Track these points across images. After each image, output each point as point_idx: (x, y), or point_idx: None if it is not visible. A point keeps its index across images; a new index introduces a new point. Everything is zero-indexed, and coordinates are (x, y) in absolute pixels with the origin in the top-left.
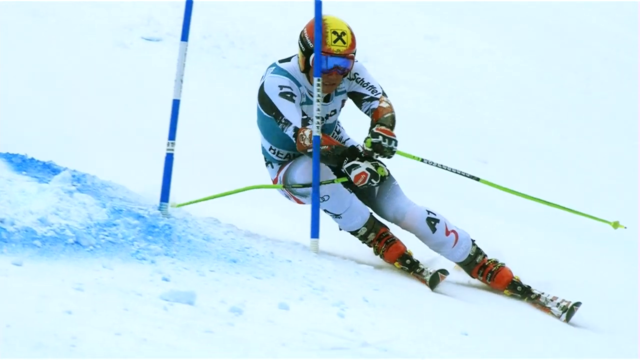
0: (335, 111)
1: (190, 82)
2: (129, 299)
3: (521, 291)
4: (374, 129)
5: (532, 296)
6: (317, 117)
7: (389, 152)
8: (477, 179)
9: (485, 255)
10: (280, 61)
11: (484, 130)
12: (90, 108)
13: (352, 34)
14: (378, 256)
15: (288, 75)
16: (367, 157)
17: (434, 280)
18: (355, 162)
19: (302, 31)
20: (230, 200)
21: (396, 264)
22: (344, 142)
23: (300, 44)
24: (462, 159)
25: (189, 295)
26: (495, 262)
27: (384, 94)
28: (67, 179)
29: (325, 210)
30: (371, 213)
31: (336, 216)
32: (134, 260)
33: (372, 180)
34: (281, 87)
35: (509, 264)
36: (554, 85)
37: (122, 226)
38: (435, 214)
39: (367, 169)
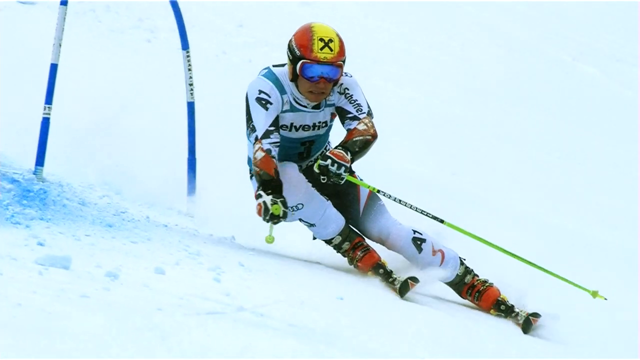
0: (325, 123)
1: (66, 45)
2: (3, 264)
3: (505, 310)
4: (328, 152)
5: (513, 314)
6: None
7: (336, 178)
8: (442, 221)
9: (475, 275)
10: (274, 66)
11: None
12: None
13: (340, 41)
14: (352, 266)
15: (276, 80)
16: (275, 191)
17: (404, 288)
18: (262, 192)
19: (290, 39)
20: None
21: (370, 273)
22: None
23: (288, 52)
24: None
25: (65, 259)
26: (484, 281)
27: (369, 114)
28: None
29: (299, 219)
30: (346, 222)
31: (310, 225)
32: (9, 225)
33: (265, 215)
34: (260, 91)
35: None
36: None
37: None
38: (421, 234)
39: (264, 202)
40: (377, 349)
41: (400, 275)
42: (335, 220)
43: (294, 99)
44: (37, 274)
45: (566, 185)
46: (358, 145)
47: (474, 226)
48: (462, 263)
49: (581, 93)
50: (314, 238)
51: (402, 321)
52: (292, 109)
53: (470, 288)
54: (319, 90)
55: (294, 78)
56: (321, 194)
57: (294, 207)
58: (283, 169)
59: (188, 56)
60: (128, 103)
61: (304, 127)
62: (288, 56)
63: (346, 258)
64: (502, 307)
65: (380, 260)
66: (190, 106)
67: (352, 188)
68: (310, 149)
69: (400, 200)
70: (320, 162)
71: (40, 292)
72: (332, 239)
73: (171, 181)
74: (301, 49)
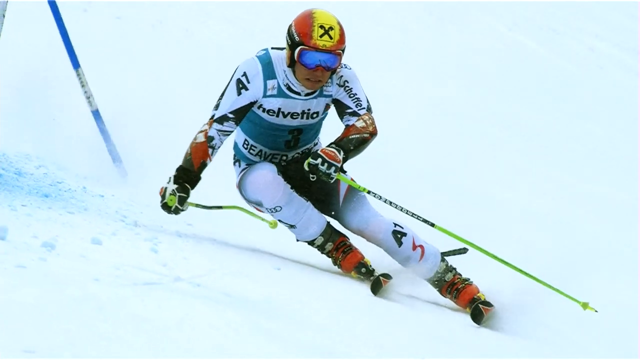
0: (317, 114)
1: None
2: None
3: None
4: (319, 150)
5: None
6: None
7: (325, 177)
8: (432, 225)
9: (456, 274)
10: (273, 48)
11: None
12: None
13: (341, 29)
14: (337, 267)
15: (268, 64)
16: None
17: (375, 286)
18: (172, 177)
19: (290, 25)
20: None
21: (353, 273)
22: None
23: (287, 37)
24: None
25: (1, 230)
26: (465, 280)
27: (368, 110)
28: None
29: (279, 221)
30: (328, 222)
31: (291, 226)
32: None
33: (160, 200)
34: (244, 74)
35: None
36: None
37: None
38: (402, 227)
39: (165, 188)
40: (312, 316)
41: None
42: (316, 221)
43: (286, 85)
44: None
45: (509, 159)
46: (353, 143)
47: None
48: (443, 260)
49: (518, 64)
50: (297, 240)
51: (339, 292)
52: (281, 95)
53: (450, 286)
54: (316, 78)
55: (292, 64)
56: (301, 190)
57: (272, 209)
58: (260, 171)
59: (78, 75)
60: (60, 74)
61: (292, 115)
62: (287, 41)
63: (330, 259)
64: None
65: (364, 259)
66: (96, 114)
67: (333, 182)
68: (299, 139)
69: (390, 202)
70: (310, 160)
71: None
72: (315, 240)
73: (103, 153)
74: (300, 35)
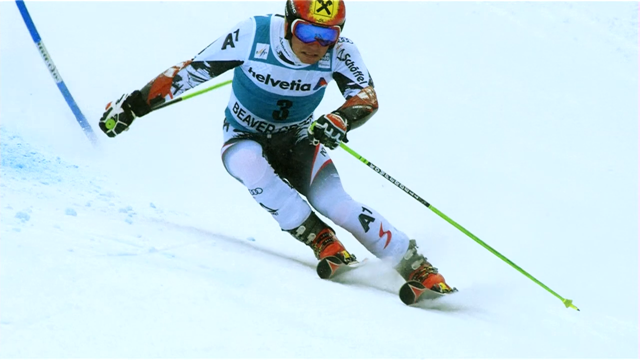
0: (308, 87)
1: None
2: None
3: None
4: (325, 115)
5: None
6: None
7: (329, 143)
8: (427, 204)
9: (424, 263)
10: (277, 15)
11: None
12: None
13: (340, 4)
14: (317, 258)
15: (264, 27)
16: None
17: (322, 268)
18: (122, 100)
19: None
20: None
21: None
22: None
23: (286, 8)
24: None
25: None
26: (431, 268)
27: (370, 84)
28: None
29: (261, 204)
30: (313, 212)
31: (272, 212)
32: None
33: (101, 118)
34: (237, 32)
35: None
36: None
37: None
38: (371, 212)
39: (111, 109)
40: (287, 288)
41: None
42: (299, 210)
43: (279, 53)
44: None
45: (480, 127)
46: (357, 113)
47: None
48: (411, 247)
49: (492, 34)
50: (282, 230)
51: (311, 261)
52: (271, 61)
53: (416, 275)
54: (312, 52)
55: (288, 36)
56: (277, 164)
57: (253, 191)
58: (245, 150)
59: (41, 47)
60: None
61: (282, 84)
62: (285, 12)
63: (313, 250)
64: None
65: (342, 251)
66: (61, 85)
67: (309, 158)
68: (287, 111)
69: (389, 177)
70: (316, 124)
71: None
72: (297, 229)
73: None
74: (298, 8)
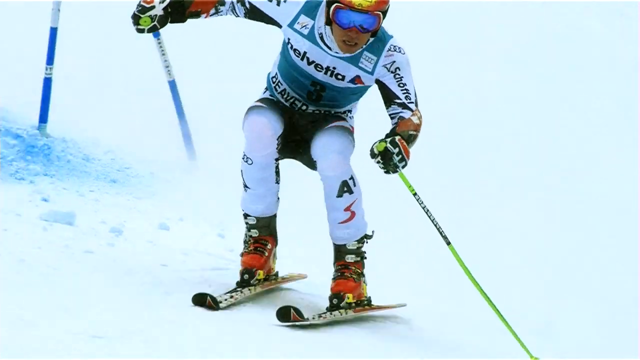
0: (343, 78)
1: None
2: (7, 220)
3: (331, 305)
4: (397, 139)
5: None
6: None
7: (392, 168)
8: (448, 243)
9: (359, 262)
10: None
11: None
12: None
13: None
14: (240, 255)
15: (316, 3)
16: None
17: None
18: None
19: None
20: None
21: (240, 270)
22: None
23: None
24: None
25: (69, 215)
26: (358, 273)
27: (416, 104)
28: None
29: (241, 171)
30: (273, 217)
31: (245, 186)
32: (13, 180)
33: (139, 9)
34: None
35: None
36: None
37: (0, 146)
38: (354, 185)
39: (153, 6)
40: None
41: (241, 293)
42: (266, 205)
43: (320, 34)
44: (42, 230)
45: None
46: (412, 140)
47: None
48: (361, 240)
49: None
50: (241, 207)
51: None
52: (310, 38)
53: (341, 267)
54: (352, 40)
55: (328, 22)
56: (293, 133)
57: (245, 157)
58: (266, 119)
59: (159, 42)
60: (125, 59)
61: (317, 66)
62: None
63: (243, 245)
64: (334, 301)
65: (254, 269)
66: (172, 83)
67: (330, 120)
68: (322, 96)
69: (427, 211)
70: (388, 145)
71: (45, 248)
72: (249, 216)
73: (172, 136)
74: None
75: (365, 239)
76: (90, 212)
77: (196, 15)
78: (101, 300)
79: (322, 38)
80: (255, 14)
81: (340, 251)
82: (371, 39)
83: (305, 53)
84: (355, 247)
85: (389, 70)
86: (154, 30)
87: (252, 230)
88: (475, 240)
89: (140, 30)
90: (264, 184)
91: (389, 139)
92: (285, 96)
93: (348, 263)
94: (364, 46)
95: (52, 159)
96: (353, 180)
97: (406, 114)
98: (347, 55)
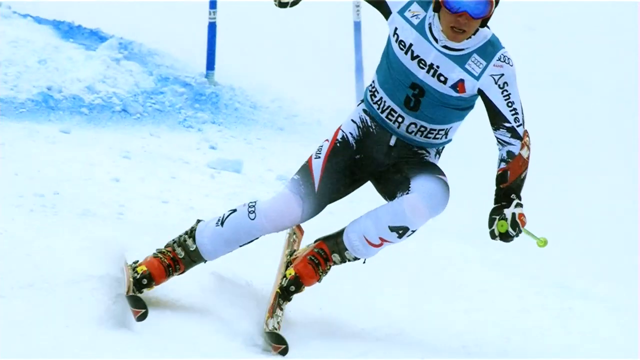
0: (445, 80)
1: None
2: (175, 167)
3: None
4: (517, 215)
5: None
6: None
7: (508, 239)
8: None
9: (335, 265)
10: None
11: None
12: None
13: None
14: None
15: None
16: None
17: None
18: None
19: None
20: None
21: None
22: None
23: None
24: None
25: (236, 163)
26: (325, 271)
27: (523, 125)
28: (114, 47)
29: (233, 211)
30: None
31: (219, 222)
32: (181, 128)
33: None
34: None
35: None
36: None
37: (169, 94)
38: (405, 237)
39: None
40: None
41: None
42: (218, 253)
43: (429, 25)
44: (209, 178)
45: None
46: (520, 188)
47: None
48: (356, 258)
49: None
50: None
51: None
52: (419, 29)
53: (324, 258)
54: (461, 26)
55: (436, 8)
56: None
57: (250, 208)
58: (293, 196)
59: None
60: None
61: (420, 61)
62: None
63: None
64: (292, 288)
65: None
66: (357, 25)
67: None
68: (420, 102)
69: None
70: (509, 229)
71: (212, 195)
72: (195, 244)
73: (344, 86)
74: None
75: (357, 259)
76: (258, 160)
77: None
78: (271, 245)
79: (430, 29)
80: None
81: (338, 248)
82: (479, 30)
83: (410, 45)
84: (350, 257)
85: (495, 83)
86: (295, 4)
87: (186, 243)
88: None
89: (283, 5)
90: (240, 239)
91: (509, 219)
92: (381, 107)
93: (332, 260)
94: (474, 48)
95: (220, 107)
96: (412, 233)
97: (515, 146)
98: (454, 53)
